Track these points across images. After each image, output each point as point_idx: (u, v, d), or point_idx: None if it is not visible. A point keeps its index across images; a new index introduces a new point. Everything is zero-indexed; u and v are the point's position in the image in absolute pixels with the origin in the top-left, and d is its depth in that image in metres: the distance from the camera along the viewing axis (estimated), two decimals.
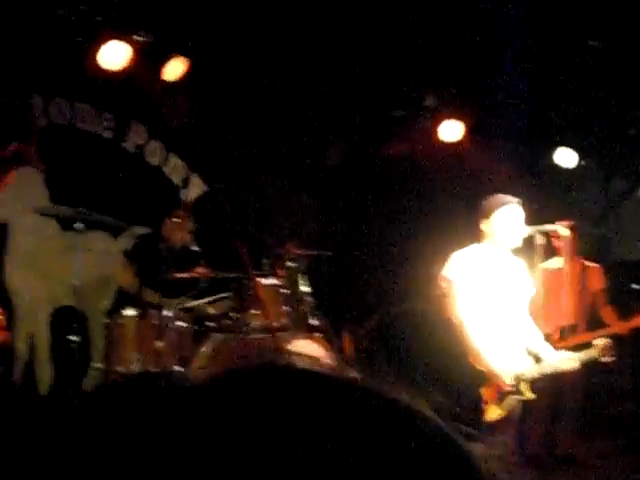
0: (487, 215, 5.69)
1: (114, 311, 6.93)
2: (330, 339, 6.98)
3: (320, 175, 8.88)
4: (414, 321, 8.14)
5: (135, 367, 6.54)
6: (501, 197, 5.75)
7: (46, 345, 7.44)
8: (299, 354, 6.54)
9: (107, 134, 8.05)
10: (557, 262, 7.07)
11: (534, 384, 5.49)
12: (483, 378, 5.54)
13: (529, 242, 5.77)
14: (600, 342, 5.73)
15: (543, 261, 6.17)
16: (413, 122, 8.77)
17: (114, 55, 7.25)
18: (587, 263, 7.69)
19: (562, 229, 5.91)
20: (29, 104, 7.29)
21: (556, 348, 5.89)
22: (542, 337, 5.72)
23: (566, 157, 8.74)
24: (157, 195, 8.16)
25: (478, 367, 5.49)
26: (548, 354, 5.57)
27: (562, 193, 8.92)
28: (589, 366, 5.82)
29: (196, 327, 7.03)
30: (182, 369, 6.68)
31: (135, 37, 7.34)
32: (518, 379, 5.46)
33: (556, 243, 6.90)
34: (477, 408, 5.72)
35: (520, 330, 5.69)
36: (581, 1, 7.50)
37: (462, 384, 6.10)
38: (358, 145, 8.98)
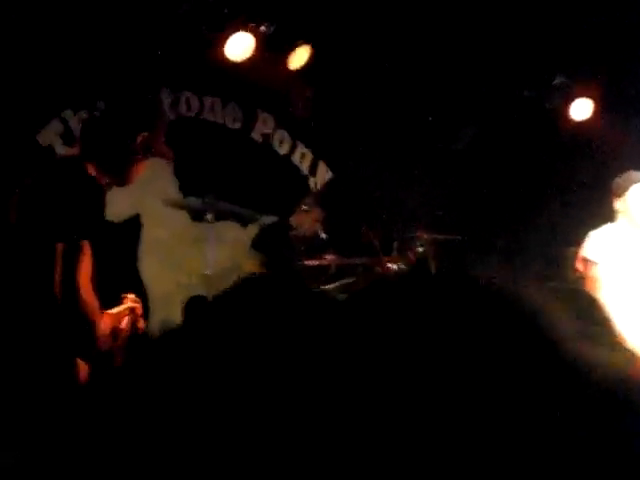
0: (621, 193, 5.55)
1: None
2: None
3: (449, 158, 8.77)
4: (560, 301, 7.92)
5: None
6: (633, 174, 5.60)
7: None
8: None
9: (234, 125, 8.13)
10: None
11: None
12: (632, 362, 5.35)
13: None
14: None
15: None
16: (543, 102, 8.56)
17: (239, 46, 7.30)
18: None
19: None
20: (158, 97, 7.42)
21: None
22: None
23: None
24: (285, 184, 8.21)
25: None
26: None
27: None
28: None
29: None
30: None
31: (259, 27, 7.37)
32: None
33: None
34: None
35: None
36: None
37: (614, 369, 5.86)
38: (487, 126, 8.82)
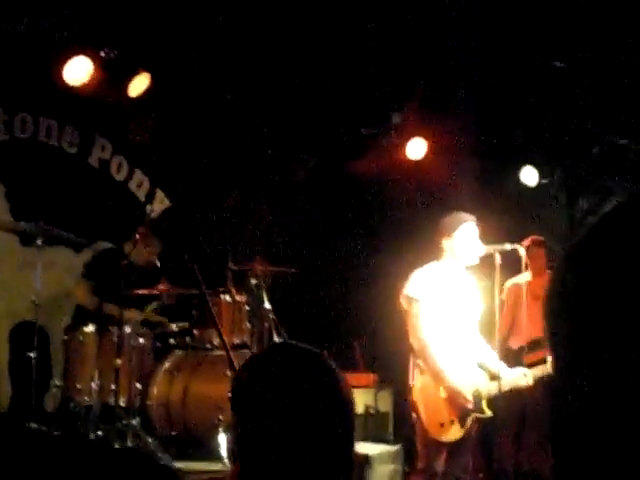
0: (449, 233, 5.72)
1: (74, 327, 6.87)
2: None
3: (287, 190, 8.88)
4: None
5: (94, 384, 6.50)
6: (462, 215, 5.79)
7: (5, 360, 7.37)
8: None
9: (71, 149, 8.01)
10: (524, 278, 7.12)
11: (491, 401, 5.52)
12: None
13: (489, 260, 5.79)
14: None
15: (504, 278, 6.21)
16: (379, 139, 8.78)
17: (78, 70, 7.22)
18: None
19: (521, 249, 5.91)
20: None
21: (524, 364, 5.94)
22: (495, 354, 5.72)
23: (530, 175, 8.76)
24: (121, 211, 8.12)
25: (440, 386, 5.48)
26: (502, 371, 5.58)
27: (527, 212, 8.94)
28: (543, 382, 5.84)
29: (157, 344, 7.01)
30: (141, 387, 6.65)
31: (99, 52, 7.31)
32: (477, 397, 5.48)
33: (525, 259, 6.95)
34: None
35: (474, 347, 5.72)
36: (544, 20, 7.54)
37: None
38: (325, 160, 8.98)
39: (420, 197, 8.83)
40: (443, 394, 5.48)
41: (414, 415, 5.58)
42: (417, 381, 5.56)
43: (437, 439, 5.49)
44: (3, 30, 6.94)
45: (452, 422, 5.50)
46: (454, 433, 5.52)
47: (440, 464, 5.55)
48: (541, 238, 7.71)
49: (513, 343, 7.05)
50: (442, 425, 5.49)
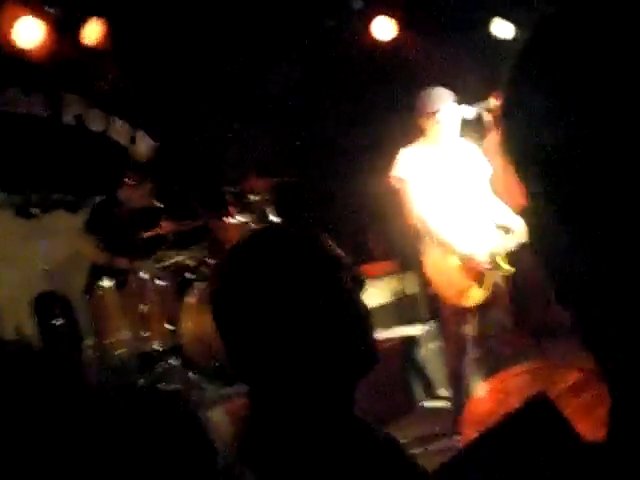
0: (426, 109, 5.73)
1: (91, 285, 6.88)
2: None
3: (266, 101, 8.77)
4: None
5: (125, 335, 6.54)
6: (437, 91, 5.76)
7: (30, 333, 7.40)
8: None
9: (42, 113, 7.90)
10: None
11: (510, 257, 5.57)
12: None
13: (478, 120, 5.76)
14: None
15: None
16: (345, 28, 8.62)
17: (30, 33, 7.07)
18: None
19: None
20: None
21: None
22: (508, 209, 5.72)
23: (504, 30, 8.58)
24: (107, 161, 8.06)
25: (452, 255, 5.53)
26: (516, 224, 5.58)
27: (503, 68, 8.81)
28: None
29: (177, 280, 7.02)
30: (172, 327, 6.68)
31: (47, 11, 7.16)
32: (493, 255, 5.52)
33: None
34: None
35: (484, 208, 5.72)
36: None
37: None
38: (296, 60, 8.84)
39: (397, 77, 8.70)
40: (456, 262, 5.53)
41: (432, 290, 5.69)
42: (426, 256, 5.64)
43: (459, 306, 5.57)
44: None
45: (471, 286, 5.55)
46: (476, 296, 5.58)
47: (469, 328, 5.65)
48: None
49: None
50: (461, 291, 5.55)
